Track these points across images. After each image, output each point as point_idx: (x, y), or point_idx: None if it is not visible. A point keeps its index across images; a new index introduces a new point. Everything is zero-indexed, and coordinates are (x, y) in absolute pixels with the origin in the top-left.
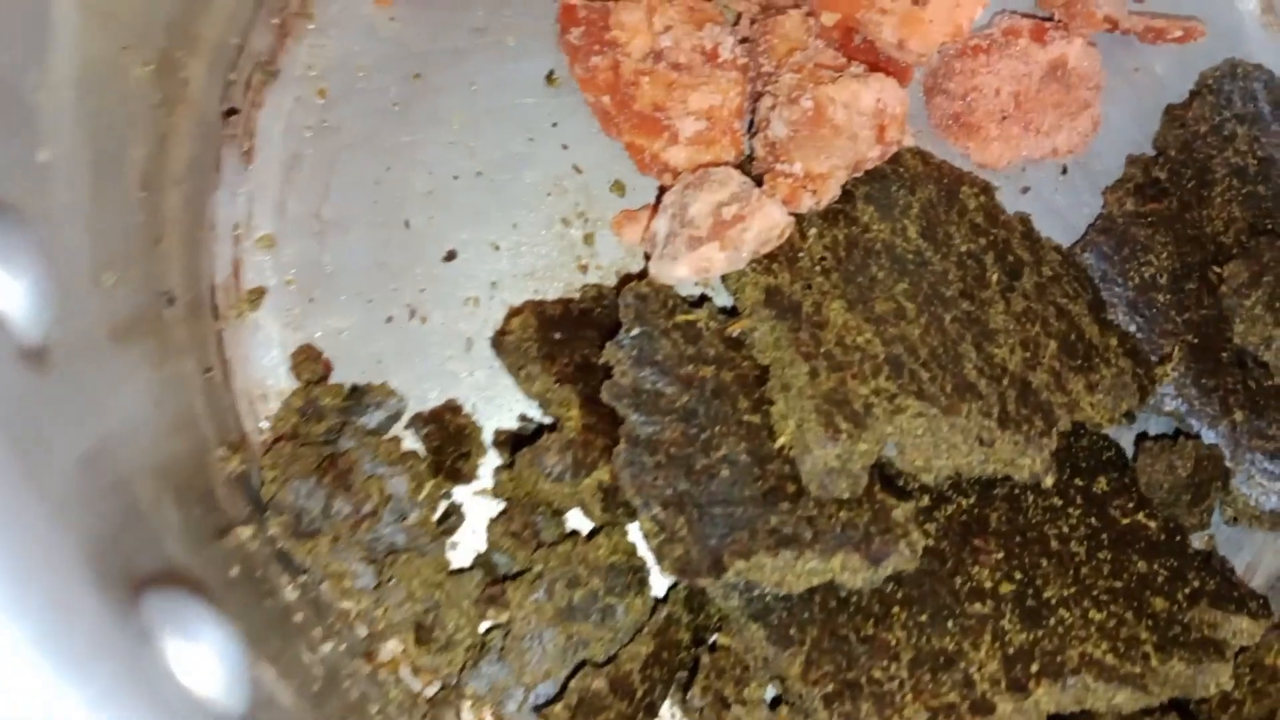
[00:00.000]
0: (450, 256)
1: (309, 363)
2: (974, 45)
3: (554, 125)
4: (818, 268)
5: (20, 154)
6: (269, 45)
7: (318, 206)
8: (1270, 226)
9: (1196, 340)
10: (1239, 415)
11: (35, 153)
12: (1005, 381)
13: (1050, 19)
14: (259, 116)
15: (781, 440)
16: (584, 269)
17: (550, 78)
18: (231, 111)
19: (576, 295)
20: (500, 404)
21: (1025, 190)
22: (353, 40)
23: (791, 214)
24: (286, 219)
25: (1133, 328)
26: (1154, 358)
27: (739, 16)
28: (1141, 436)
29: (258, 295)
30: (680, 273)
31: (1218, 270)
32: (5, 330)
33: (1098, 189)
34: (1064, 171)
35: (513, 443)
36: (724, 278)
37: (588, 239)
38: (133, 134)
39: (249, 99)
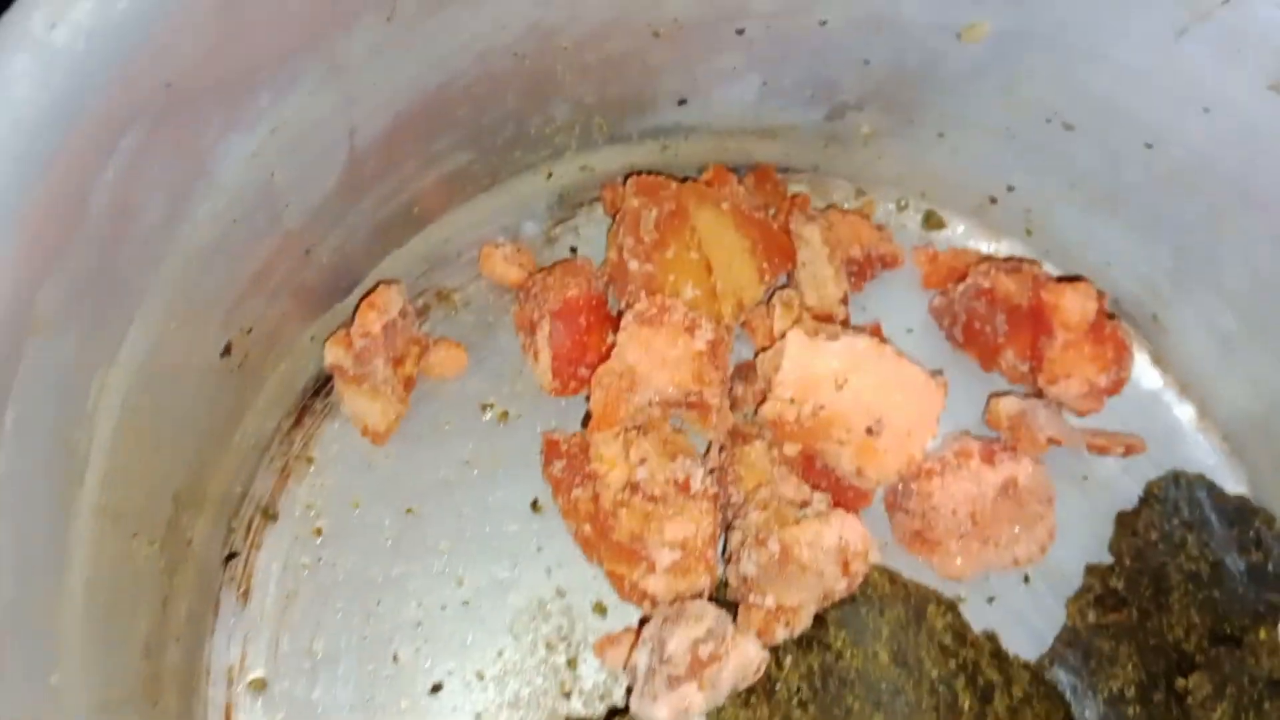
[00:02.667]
0: (436, 689)
1: None
2: (928, 468)
3: (538, 550)
4: (795, 700)
5: (31, 679)
6: (269, 488)
7: (310, 642)
8: (1229, 632)
9: None
10: None
11: (47, 677)
12: None
13: (999, 439)
14: (257, 558)
15: None
16: (567, 694)
17: (535, 505)
18: (231, 556)
19: None
20: None
21: (991, 600)
22: (350, 477)
23: (766, 645)
24: (279, 657)
25: None
26: None
27: (709, 445)
28: None
29: None
30: (661, 714)
31: (1184, 681)
32: None
33: (1061, 593)
34: (1026, 580)
35: None
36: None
37: (571, 663)
38: (138, 611)
39: (248, 542)
